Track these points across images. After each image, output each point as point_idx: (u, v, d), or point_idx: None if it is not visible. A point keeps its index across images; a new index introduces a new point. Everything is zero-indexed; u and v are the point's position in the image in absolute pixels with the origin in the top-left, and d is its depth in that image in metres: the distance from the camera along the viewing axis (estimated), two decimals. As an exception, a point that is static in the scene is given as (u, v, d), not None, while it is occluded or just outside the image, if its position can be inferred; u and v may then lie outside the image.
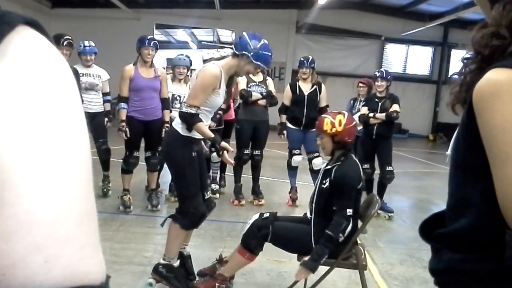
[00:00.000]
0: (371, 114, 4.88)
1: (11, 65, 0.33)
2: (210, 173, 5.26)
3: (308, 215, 2.78)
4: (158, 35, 15.76)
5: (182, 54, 5.04)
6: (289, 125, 5.06)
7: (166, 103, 4.50)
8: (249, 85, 4.81)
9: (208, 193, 3.03)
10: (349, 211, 2.50)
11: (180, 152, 2.74)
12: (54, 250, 0.32)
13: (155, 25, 14.71)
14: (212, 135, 2.72)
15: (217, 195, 5.13)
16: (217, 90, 2.72)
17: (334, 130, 2.68)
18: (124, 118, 4.30)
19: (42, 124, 0.33)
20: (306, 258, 2.49)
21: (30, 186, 0.32)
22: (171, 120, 4.05)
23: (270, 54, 2.88)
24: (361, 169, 2.74)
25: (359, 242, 2.69)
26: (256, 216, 2.77)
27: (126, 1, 12.70)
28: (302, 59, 5.09)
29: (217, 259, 2.96)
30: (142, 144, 4.57)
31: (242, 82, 4.75)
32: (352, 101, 5.89)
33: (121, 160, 4.54)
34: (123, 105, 4.32)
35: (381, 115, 4.86)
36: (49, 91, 0.35)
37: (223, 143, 2.76)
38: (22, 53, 0.34)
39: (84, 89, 4.66)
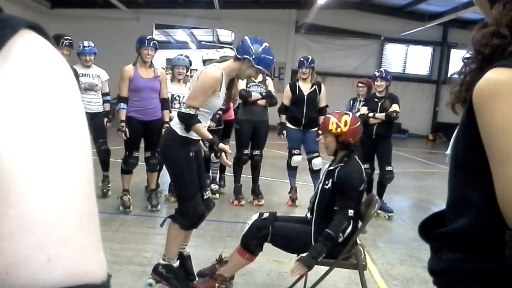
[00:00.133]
0: (370, 114, 4.89)
1: (14, 68, 0.34)
2: (210, 173, 5.26)
3: (309, 215, 2.78)
4: (157, 35, 15.77)
5: (182, 54, 5.05)
6: (288, 125, 5.06)
7: (166, 103, 4.50)
8: (248, 85, 4.81)
9: (207, 193, 3.03)
10: (351, 212, 2.50)
11: (177, 152, 2.74)
12: (56, 250, 0.33)
13: (155, 25, 14.73)
14: (210, 137, 2.72)
15: (217, 195, 5.13)
16: (217, 93, 2.72)
17: (339, 130, 2.69)
18: (123, 118, 4.31)
19: (44, 125, 0.34)
20: (304, 254, 2.48)
21: (33, 187, 0.32)
22: (171, 120, 4.05)
23: (271, 58, 2.89)
24: (364, 171, 2.74)
25: (359, 242, 2.69)
26: (255, 216, 2.76)
27: (125, 1, 12.70)
28: (302, 59, 5.09)
29: (217, 260, 2.96)
30: (142, 145, 4.57)
31: (241, 82, 4.74)
32: (351, 101, 5.88)
33: (121, 161, 4.54)
34: (122, 105, 4.32)
35: (380, 115, 4.86)
36: (51, 93, 0.35)
37: (221, 145, 2.76)
38: (25, 56, 0.35)
39: (84, 89, 4.66)
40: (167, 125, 4.28)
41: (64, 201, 0.34)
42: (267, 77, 5.06)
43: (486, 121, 0.81)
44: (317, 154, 5.01)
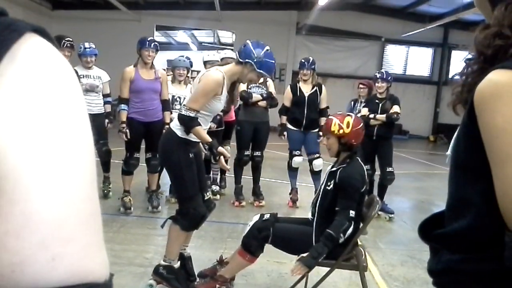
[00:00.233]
0: (371, 115, 4.89)
1: (19, 70, 0.35)
2: (211, 174, 5.26)
3: (310, 216, 2.78)
4: (158, 37, 15.81)
5: (183, 56, 5.05)
6: (289, 126, 5.06)
7: (167, 105, 4.51)
8: (249, 87, 4.81)
9: (208, 194, 3.03)
10: (352, 213, 2.50)
11: (176, 154, 2.74)
12: (59, 248, 0.33)
13: (156, 26, 14.75)
14: (210, 140, 2.73)
15: (218, 196, 5.13)
16: (218, 96, 2.72)
17: (341, 131, 2.69)
18: (124, 119, 4.31)
19: (49, 127, 0.35)
20: (305, 254, 2.48)
21: (38, 187, 0.33)
22: (171, 121, 4.05)
23: (273, 62, 2.90)
24: (366, 173, 2.74)
25: (359, 243, 2.69)
26: (256, 218, 2.77)
27: (126, 2, 12.72)
28: (303, 60, 5.10)
29: (218, 260, 2.96)
30: (143, 146, 4.58)
31: (242, 84, 4.75)
32: (352, 102, 5.88)
33: (122, 162, 4.54)
34: (123, 106, 4.32)
35: (381, 116, 4.86)
36: (55, 96, 0.36)
37: (220, 148, 2.75)
38: (30, 59, 0.36)
39: (85, 90, 4.66)
40: (167, 126, 4.30)
41: (68, 201, 0.35)
42: (268, 79, 5.06)
43: (487, 122, 0.81)
44: (317, 155, 5.01)
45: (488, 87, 0.82)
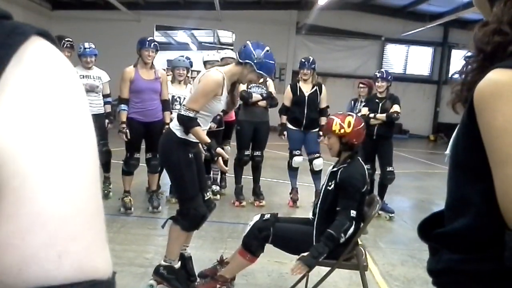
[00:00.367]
0: (371, 115, 4.89)
1: (25, 72, 0.36)
2: (211, 174, 5.26)
3: (311, 216, 2.78)
4: (158, 37, 15.79)
5: (182, 56, 5.05)
6: (289, 126, 5.06)
7: (167, 105, 4.51)
8: (249, 86, 4.81)
9: (208, 194, 3.03)
10: (353, 213, 2.50)
11: (176, 154, 2.74)
12: (65, 246, 0.34)
13: (155, 26, 14.72)
14: (208, 140, 2.72)
15: (218, 196, 5.13)
16: (218, 97, 2.72)
17: (342, 131, 2.69)
18: (124, 119, 4.31)
19: (54, 128, 0.36)
20: (305, 254, 2.48)
21: (44, 186, 0.34)
22: (171, 121, 4.05)
23: (273, 62, 2.91)
24: (367, 173, 2.74)
25: (360, 242, 2.69)
26: (257, 217, 2.77)
27: (126, 3, 12.71)
28: (303, 60, 5.09)
29: (218, 261, 2.96)
30: (143, 146, 4.58)
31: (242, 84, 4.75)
32: (352, 102, 5.88)
33: (122, 162, 4.54)
34: (123, 106, 4.32)
35: (381, 116, 4.86)
36: (60, 97, 0.38)
37: (219, 149, 2.75)
38: (36, 61, 0.37)
39: (85, 90, 4.65)
40: (167, 126, 4.30)
41: (73, 200, 0.35)
42: (268, 78, 5.06)
43: (487, 121, 0.81)
44: (318, 155, 5.01)
45: (488, 86, 0.81)
